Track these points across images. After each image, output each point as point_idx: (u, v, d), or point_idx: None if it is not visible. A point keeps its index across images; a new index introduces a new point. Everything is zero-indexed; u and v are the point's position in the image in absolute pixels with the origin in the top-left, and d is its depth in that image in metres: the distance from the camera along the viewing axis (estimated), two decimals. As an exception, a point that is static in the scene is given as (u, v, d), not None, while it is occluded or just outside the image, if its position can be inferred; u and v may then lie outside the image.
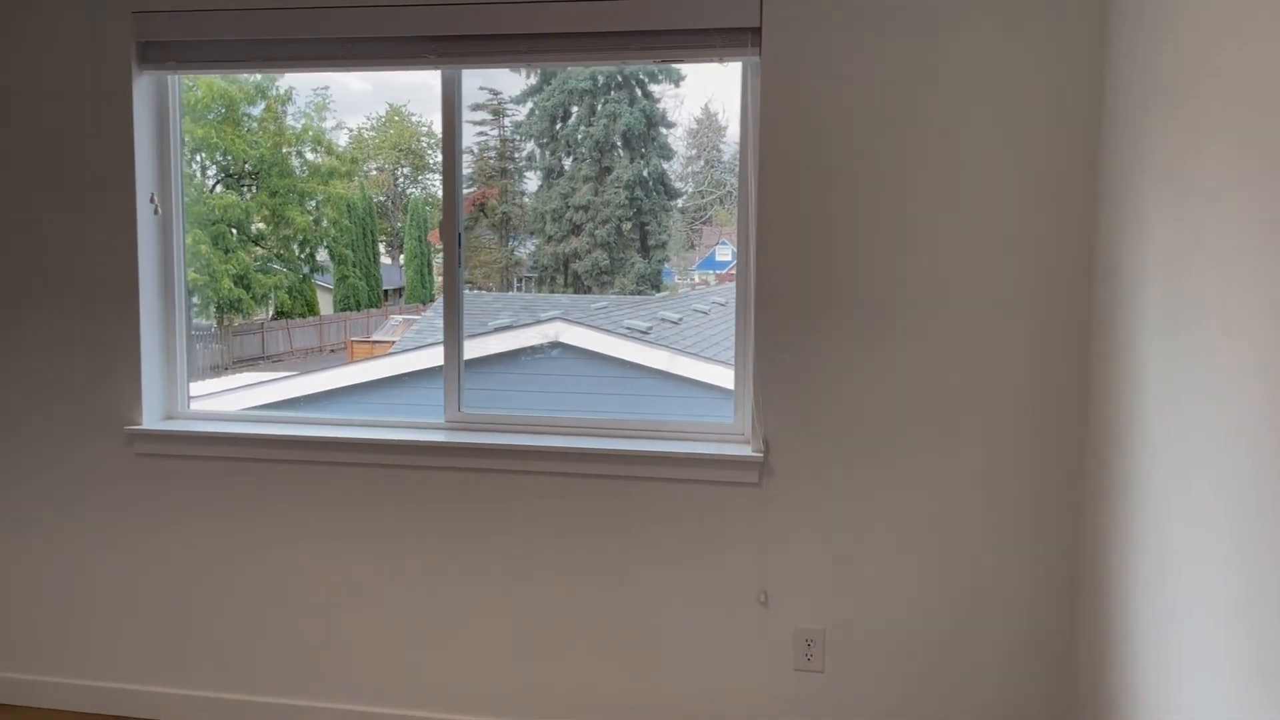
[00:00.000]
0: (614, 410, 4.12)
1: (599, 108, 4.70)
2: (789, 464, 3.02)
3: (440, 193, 3.24)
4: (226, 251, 7.26)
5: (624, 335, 4.51)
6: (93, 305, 3.27)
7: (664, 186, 4.68)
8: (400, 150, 7.49)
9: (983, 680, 2.99)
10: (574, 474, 3.12)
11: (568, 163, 4.93)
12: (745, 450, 3.04)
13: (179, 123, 3.36)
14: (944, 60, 2.84)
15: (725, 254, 4.62)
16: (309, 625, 3.29)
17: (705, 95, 4.31)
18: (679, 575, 3.10)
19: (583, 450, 3.09)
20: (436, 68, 3.15)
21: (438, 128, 3.26)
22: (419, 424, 3.33)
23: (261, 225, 7.56)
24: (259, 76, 6.99)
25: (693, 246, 4.83)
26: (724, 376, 3.48)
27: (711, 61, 2.99)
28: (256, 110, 7.20)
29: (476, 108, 4.83)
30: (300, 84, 6.65)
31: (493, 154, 5.68)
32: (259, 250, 7.52)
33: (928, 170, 2.88)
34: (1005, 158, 2.84)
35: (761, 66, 2.94)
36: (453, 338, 3.27)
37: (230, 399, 4.69)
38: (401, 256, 7.59)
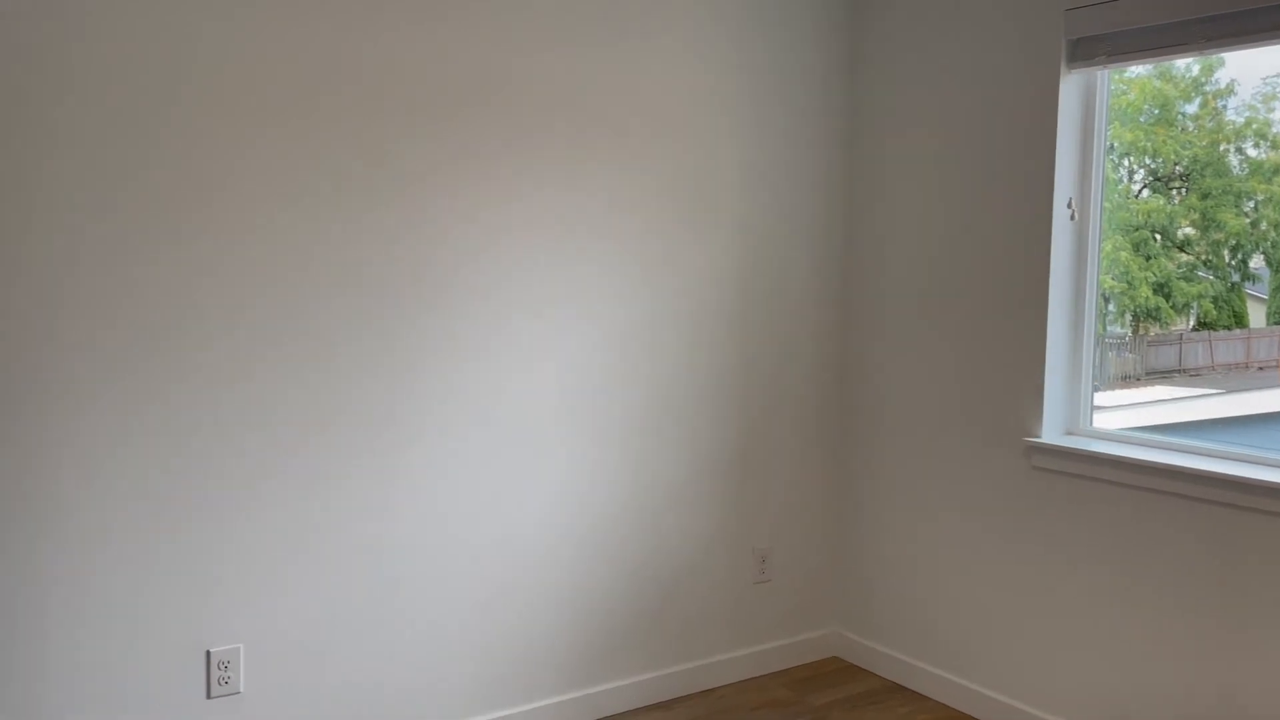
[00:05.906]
0: None
1: None
2: None
3: None
4: (1147, 258, 6.68)
5: None
6: (1001, 310, 3.12)
7: None
8: (1375, 135, 5.94)
9: None
10: None
11: None
12: None
13: (1104, 122, 3.00)
14: None
15: None
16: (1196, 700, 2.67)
17: None
18: None
19: None
20: None
21: None
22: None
23: (1189, 230, 6.79)
24: (1196, 71, 6.23)
25: None
26: None
27: None
28: (1192, 108, 6.45)
29: None
30: (1244, 75, 5.70)
31: None
32: (1183, 256, 6.76)
33: None
34: None
35: None
36: None
37: (1140, 413, 4.21)
38: (1365, 263, 6.03)
